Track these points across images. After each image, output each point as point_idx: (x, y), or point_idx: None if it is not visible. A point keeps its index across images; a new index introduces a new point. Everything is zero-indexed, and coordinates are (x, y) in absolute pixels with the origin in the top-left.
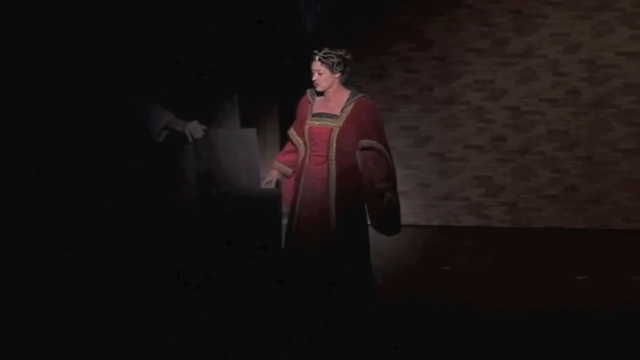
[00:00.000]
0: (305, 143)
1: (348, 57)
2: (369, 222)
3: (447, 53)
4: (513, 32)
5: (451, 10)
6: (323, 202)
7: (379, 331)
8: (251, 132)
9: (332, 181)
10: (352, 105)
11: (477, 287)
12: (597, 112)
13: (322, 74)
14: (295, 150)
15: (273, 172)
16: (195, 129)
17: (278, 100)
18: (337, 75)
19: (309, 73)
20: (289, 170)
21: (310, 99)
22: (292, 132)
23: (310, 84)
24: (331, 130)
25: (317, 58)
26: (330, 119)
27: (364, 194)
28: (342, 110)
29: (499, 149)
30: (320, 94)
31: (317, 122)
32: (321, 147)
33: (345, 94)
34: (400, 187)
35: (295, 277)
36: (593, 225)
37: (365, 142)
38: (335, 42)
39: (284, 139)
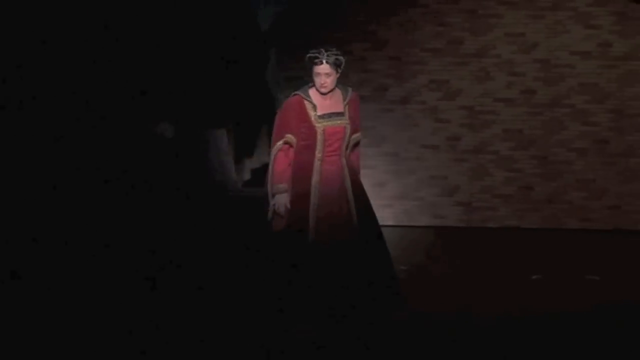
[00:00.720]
0: (313, 144)
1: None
2: None
3: (402, 53)
4: (468, 32)
5: (406, 10)
6: (342, 199)
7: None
8: (222, 133)
9: (347, 178)
10: (349, 100)
11: (432, 288)
12: (552, 112)
13: (330, 76)
14: (290, 163)
15: (283, 196)
16: (165, 129)
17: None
18: (338, 74)
19: (314, 75)
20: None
21: (306, 100)
22: (289, 137)
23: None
24: (345, 128)
25: (324, 61)
26: (340, 118)
27: None
28: (344, 107)
29: (454, 148)
30: (317, 93)
31: (329, 123)
32: (336, 146)
33: (337, 89)
34: None
35: (324, 277)
36: (548, 224)
37: (356, 136)
38: (292, 43)
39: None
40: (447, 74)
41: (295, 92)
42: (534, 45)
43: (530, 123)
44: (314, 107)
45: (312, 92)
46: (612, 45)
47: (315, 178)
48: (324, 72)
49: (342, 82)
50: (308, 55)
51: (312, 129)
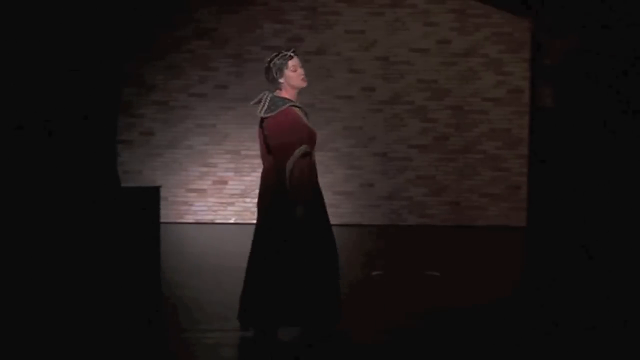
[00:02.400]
0: (312, 149)
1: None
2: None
3: (243, 50)
4: (307, 29)
5: (247, 8)
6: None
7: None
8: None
9: None
10: None
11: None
12: (392, 109)
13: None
14: None
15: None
16: None
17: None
18: None
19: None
20: None
21: (296, 107)
22: (306, 146)
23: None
24: None
25: (295, 54)
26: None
27: None
28: None
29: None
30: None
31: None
32: None
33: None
34: None
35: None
36: (388, 221)
37: None
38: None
39: None
40: None
41: (279, 104)
42: (373, 43)
43: (370, 120)
44: (305, 113)
45: (288, 97)
46: (451, 42)
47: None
48: (300, 63)
49: (185, 80)
50: (276, 57)
51: (313, 134)
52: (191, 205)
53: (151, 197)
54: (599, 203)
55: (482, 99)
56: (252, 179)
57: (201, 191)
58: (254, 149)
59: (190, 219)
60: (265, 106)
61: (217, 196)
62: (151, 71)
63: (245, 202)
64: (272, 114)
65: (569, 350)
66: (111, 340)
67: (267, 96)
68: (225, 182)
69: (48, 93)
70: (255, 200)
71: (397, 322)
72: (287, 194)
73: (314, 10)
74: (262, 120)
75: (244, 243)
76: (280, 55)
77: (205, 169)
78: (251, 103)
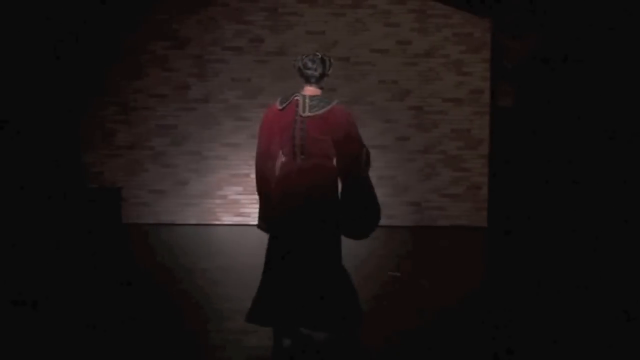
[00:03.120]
0: None
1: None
2: None
3: (205, 51)
4: (268, 30)
5: (207, 8)
6: None
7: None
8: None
9: None
10: None
11: None
12: (353, 109)
13: None
14: None
15: None
16: None
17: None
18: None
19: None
20: None
21: None
22: None
23: None
24: None
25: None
26: None
27: None
28: None
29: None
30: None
31: None
32: None
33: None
34: None
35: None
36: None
37: None
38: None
39: None
40: (250, 73)
41: (326, 101)
42: (334, 43)
43: None
44: None
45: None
46: (412, 42)
47: None
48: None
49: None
50: (328, 57)
51: None
52: (151, 206)
53: (112, 197)
54: (559, 202)
55: (443, 99)
56: (212, 179)
57: (161, 192)
58: (215, 150)
59: (150, 219)
60: (312, 104)
61: (178, 197)
62: (110, 74)
63: (206, 204)
64: (325, 110)
65: (531, 348)
66: (78, 340)
67: (304, 96)
68: (186, 183)
69: (9, 93)
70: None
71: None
72: (363, 175)
73: (275, 11)
74: (302, 119)
75: (205, 243)
76: (330, 57)
77: (165, 170)
78: (280, 107)
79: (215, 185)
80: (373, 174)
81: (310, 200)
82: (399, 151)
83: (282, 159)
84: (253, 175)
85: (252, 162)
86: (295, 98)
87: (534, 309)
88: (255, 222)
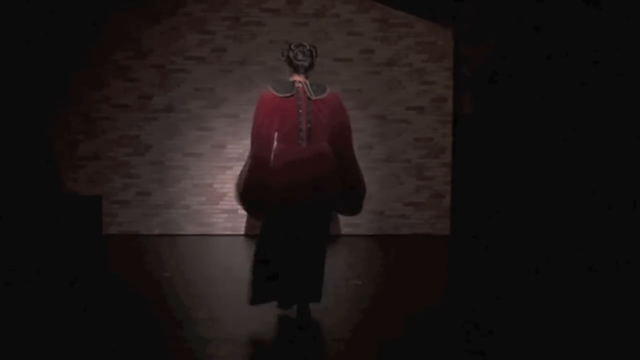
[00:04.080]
0: None
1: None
2: None
3: (167, 61)
4: (232, 39)
5: (169, 18)
6: None
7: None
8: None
9: None
10: None
11: None
12: None
13: None
14: None
15: None
16: None
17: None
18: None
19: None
20: None
21: None
22: None
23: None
24: None
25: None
26: None
27: None
28: None
29: (219, 156)
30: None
31: None
32: None
33: None
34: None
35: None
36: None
37: None
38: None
39: None
40: (212, 82)
41: (323, 87)
42: None
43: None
44: None
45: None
46: (375, 51)
47: None
48: None
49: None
50: (314, 48)
51: None
52: (115, 216)
53: (92, 206)
54: (522, 210)
55: (406, 107)
56: (175, 189)
57: (124, 202)
58: (178, 159)
59: (113, 230)
60: (313, 89)
61: (141, 207)
62: (72, 83)
63: (169, 214)
64: (325, 94)
65: (495, 356)
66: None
67: (304, 82)
68: (149, 194)
69: None
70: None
71: (332, 331)
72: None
73: (238, 20)
74: (309, 103)
75: (173, 254)
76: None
77: (128, 180)
78: (283, 94)
79: (179, 195)
80: None
81: (319, 183)
82: (363, 160)
83: (279, 144)
84: (216, 186)
85: (215, 172)
86: (298, 85)
87: (498, 316)
88: (220, 232)
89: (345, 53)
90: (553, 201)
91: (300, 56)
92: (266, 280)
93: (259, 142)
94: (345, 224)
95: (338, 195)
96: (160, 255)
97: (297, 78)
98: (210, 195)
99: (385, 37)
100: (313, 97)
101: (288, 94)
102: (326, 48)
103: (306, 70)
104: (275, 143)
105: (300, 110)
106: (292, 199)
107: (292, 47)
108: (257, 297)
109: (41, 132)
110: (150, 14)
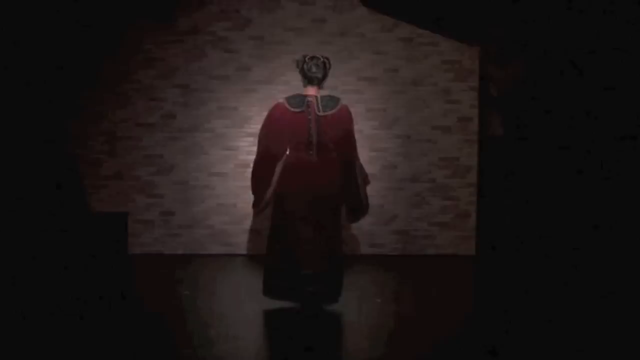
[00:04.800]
0: None
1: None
2: None
3: (191, 80)
4: (255, 58)
5: (193, 37)
6: None
7: None
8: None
9: None
10: None
11: None
12: None
13: None
14: None
15: None
16: None
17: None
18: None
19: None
20: None
21: None
22: None
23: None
24: None
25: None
26: None
27: None
28: None
29: (242, 175)
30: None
31: None
32: None
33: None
34: None
35: None
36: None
37: None
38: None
39: None
40: (236, 102)
41: (335, 100)
42: None
43: None
44: None
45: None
46: (399, 70)
47: None
48: None
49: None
50: (327, 60)
51: None
52: (138, 236)
53: (119, 223)
54: (548, 231)
55: (431, 127)
56: (199, 209)
57: (148, 222)
58: (202, 179)
59: (137, 250)
60: (324, 104)
61: (165, 227)
62: (96, 103)
63: (193, 233)
64: (337, 109)
65: None
66: None
67: (316, 97)
68: (173, 213)
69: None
70: None
71: (354, 349)
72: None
73: (262, 39)
74: (318, 118)
75: (196, 273)
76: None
77: (151, 200)
78: (295, 109)
79: (203, 215)
80: None
81: (326, 191)
82: (387, 179)
83: (290, 154)
84: (240, 205)
85: (240, 192)
86: (309, 100)
87: (525, 337)
88: (243, 252)
89: (370, 72)
90: (582, 223)
91: (314, 68)
92: (279, 279)
93: (261, 156)
94: (370, 244)
95: (340, 200)
96: (183, 275)
97: (311, 90)
98: (234, 215)
99: (410, 56)
100: (321, 113)
101: (299, 110)
102: (351, 67)
103: (319, 82)
104: (287, 152)
105: (310, 125)
106: (299, 203)
107: (306, 59)
108: (271, 291)
109: (64, 151)
110: (175, 33)
